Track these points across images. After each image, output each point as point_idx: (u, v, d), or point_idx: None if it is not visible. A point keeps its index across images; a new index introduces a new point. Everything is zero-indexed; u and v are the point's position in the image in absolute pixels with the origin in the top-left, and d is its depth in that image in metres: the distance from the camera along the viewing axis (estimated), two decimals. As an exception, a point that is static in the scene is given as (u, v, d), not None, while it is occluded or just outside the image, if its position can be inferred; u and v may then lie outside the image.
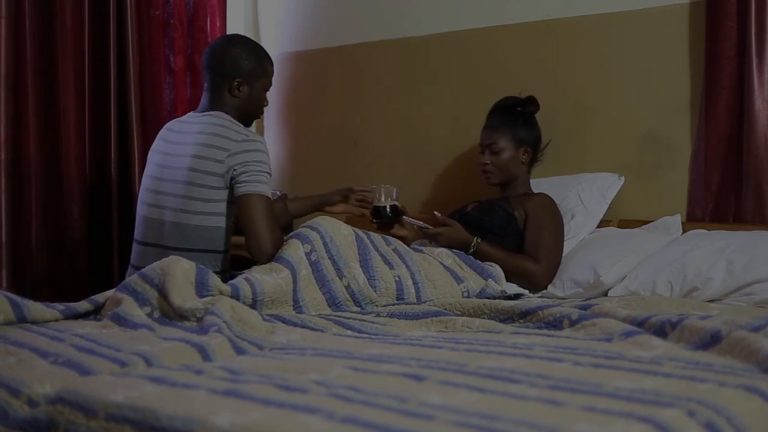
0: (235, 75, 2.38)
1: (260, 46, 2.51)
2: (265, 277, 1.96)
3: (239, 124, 2.35)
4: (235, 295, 1.87)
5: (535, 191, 2.65)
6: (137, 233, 2.42)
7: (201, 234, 2.29)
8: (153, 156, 2.45)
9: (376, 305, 2.08)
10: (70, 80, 2.89)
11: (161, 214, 2.33)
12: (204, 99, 2.44)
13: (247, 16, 3.72)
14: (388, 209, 2.49)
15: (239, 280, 1.94)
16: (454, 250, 2.38)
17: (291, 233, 2.18)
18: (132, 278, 1.87)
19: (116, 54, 2.99)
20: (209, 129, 2.31)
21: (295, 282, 2.01)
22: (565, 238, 2.52)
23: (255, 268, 2.07)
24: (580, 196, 2.66)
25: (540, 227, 2.46)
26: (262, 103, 2.48)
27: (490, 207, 2.57)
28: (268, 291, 1.93)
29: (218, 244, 2.32)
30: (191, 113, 2.46)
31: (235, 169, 2.24)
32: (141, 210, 2.41)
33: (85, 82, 2.93)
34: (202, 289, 1.84)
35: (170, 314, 1.78)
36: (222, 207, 2.29)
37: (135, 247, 2.43)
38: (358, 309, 2.05)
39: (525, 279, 2.40)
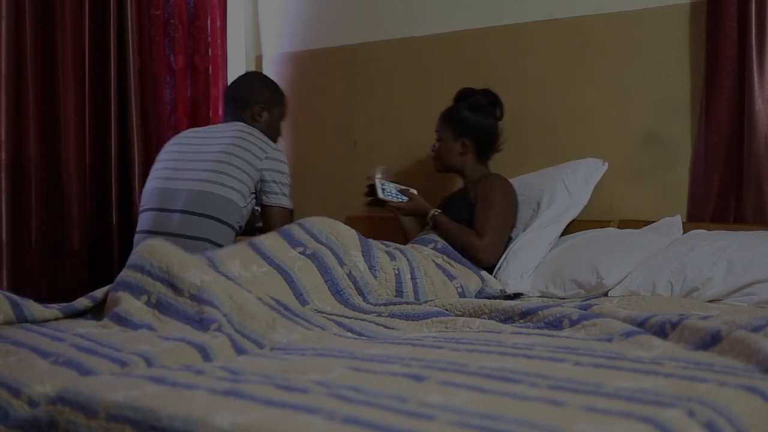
0: (257, 101, 2.68)
1: (274, 81, 2.85)
2: (243, 272, 1.95)
3: None
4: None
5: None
6: (148, 203, 2.51)
7: (220, 204, 2.42)
8: (168, 152, 2.61)
9: (378, 295, 2.08)
10: (70, 80, 2.89)
11: (180, 185, 2.46)
12: (225, 119, 2.69)
13: (247, 16, 3.72)
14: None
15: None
16: (440, 248, 2.42)
17: (280, 229, 2.20)
18: (122, 273, 1.83)
19: (116, 54, 2.98)
20: (245, 129, 2.57)
21: (286, 278, 2.01)
22: (547, 223, 2.56)
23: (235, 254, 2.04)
24: (565, 182, 2.68)
25: (488, 205, 2.51)
26: (279, 131, 2.78)
27: (451, 202, 2.63)
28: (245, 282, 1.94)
29: (234, 219, 2.46)
30: (210, 126, 2.73)
31: (268, 173, 2.52)
32: (156, 184, 2.52)
33: (85, 82, 2.93)
34: None
35: (168, 294, 1.73)
36: (244, 189, 2.48)
37: (144, 215, 2.51)
38: (360, 301, 2.05)
39: (469, 252, 2.44)
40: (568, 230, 2.66)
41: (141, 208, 2.56)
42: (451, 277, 2.29)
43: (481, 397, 1.14)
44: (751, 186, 2.50)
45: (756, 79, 2.47)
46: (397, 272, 2.18)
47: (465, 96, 2.73)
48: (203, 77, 3.41)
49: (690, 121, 2.67)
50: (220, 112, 2.83)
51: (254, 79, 2.81)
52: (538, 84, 2.95)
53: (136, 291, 1.78)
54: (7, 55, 2.68)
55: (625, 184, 2.76)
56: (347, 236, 2.20)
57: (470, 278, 2.33)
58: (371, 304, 2.05)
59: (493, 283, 2.36)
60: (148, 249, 1.83)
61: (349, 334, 1.75)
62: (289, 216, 2.61)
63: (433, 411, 1.05)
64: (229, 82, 3.40)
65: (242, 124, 2.62)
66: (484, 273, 2.42)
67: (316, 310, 1.96)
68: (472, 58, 3.11)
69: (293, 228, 2.19)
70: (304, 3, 3.58)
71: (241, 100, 2.68)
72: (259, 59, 3.72)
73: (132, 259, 1.84)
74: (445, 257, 2.38)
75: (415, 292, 2.18)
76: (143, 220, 2.52)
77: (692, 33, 2.65)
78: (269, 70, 3.69)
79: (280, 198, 2.55)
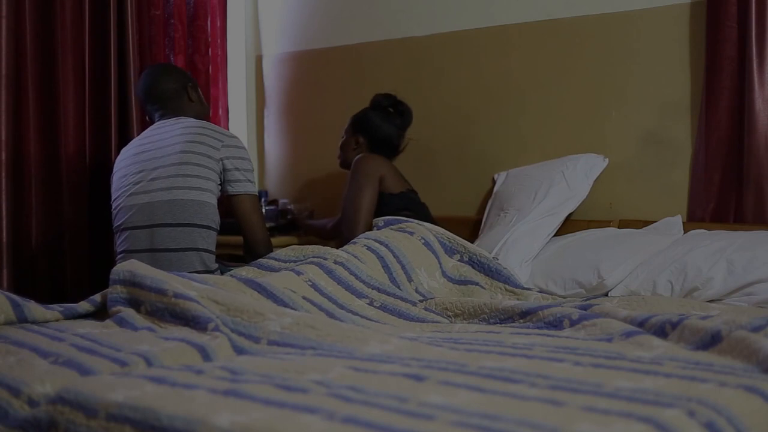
0: (182, 84, 2.61)
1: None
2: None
3: None
4: None
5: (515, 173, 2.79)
6: (123, 221, 2.42)
7: (195, 208, 2.36)
8: (125, 167, 2.49)
9: (369, 274, 2.12)
10: (70, 80, 2.89)
11: (150, 198, 2.37)
12: (161, 116, 2.58)
13: (247, 16, 3.72)
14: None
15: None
16: (381, 226, 2.46)
17: (253, 262, 2.36)
18: (111, 290, 1.80)
19: (116, 54, 2.98)
20: (194, 124, 2.48)
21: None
22: (545, 213, 2.61)
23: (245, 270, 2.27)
24: (564, 174, 2.71)
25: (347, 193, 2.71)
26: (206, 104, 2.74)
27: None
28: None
29: (211, 220, 2.40)
30: (151, 127, 2.58)
31: (228, 161, 2.42)
32: (124, 202, 2.42)
33: (85, 81, 2.93)
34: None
35: (156, 300, 1.72)
36: (212, 185, 2.40)
37: (122, 234, 2.43)
38: (354, 279, 2.08)
39: (343, 239, 2.61)
40: (568, 230, 2.67)
41: (116, 226, 2.44)
42: (410, 234, 2.35)
43: (481, 397, 1.14)
44: (751, 186, 2.50)
45: (756, 79, 2.47)
46: (367, 248, 2.23)
47: (374, 99, 2.90)
48: (203, 77, 3.42)
49: (690, 121, 2.67)
50: (147, 118, 2.73)
51: (159, 70, 2.66)
52: (538, 84, 2.95)
53: (134, 303, 1.76)
54: (7, 55, 2.68)
55: (625, 184, 2.76)
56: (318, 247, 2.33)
57: (426, 233, 2.37)
58: (364, 283, 2.07)
59: (483, 251, 2.37)
60: (127, 265, 1.81)
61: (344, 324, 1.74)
62: (258, 203, 2.51)
63: (433, 411, 1.05)
64: (228, 84, 3.46)
65: (184, 118, 2.52)
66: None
67: (309, 281, 1.99)
68: (472, 58, 3.11)
69: (268, 261, 2.32)
70: (304, 3, 3.58)
71: (169, 91, 2.57)
72: (259, 59, 3.72)
73: (113, 275, 1.80)
74: (391, 227, 2.43)
75: (392, 253, 2.23)
76: (123, 240, 2.41)
77: (692, 33, 2.65)
78: (269, 70, 3.69)
79: (245, 185, 2.43)
